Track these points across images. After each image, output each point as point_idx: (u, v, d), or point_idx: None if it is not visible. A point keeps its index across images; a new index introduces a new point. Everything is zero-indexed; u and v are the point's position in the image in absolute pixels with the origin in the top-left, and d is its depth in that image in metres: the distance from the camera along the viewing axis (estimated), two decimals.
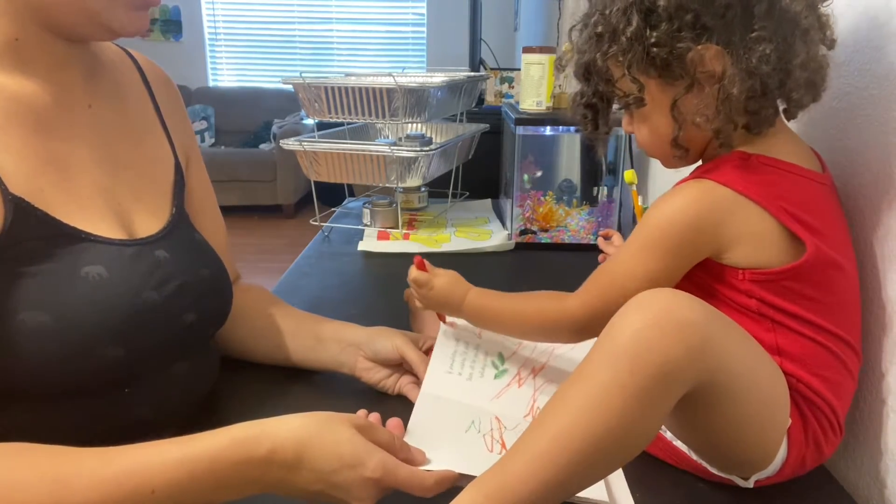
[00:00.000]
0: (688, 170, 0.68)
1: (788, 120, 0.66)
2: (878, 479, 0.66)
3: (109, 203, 0.63)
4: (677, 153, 0.66)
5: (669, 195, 0.63)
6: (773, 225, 0.60)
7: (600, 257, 1.04)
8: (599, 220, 1.40)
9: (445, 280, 0.78)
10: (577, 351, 0.80)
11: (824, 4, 0.62)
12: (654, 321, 0.51)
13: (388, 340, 0.78)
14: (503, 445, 0.65)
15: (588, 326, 0.67)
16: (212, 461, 0.50)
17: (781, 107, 0.64)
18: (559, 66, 0.74)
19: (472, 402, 0.72)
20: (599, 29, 0.64)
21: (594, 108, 0.71)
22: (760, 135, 0.63)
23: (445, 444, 0.63)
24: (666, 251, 0.62)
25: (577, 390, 0.52)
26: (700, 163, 0.68)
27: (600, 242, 1.11)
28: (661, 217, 0.63)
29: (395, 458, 0.55)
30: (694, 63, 0.60)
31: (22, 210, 0.55)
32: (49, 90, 0.60)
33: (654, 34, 0.60)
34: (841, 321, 0.61)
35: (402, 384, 0.78)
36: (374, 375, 0.78)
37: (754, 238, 0.60)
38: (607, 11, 0.63)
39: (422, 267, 0.80)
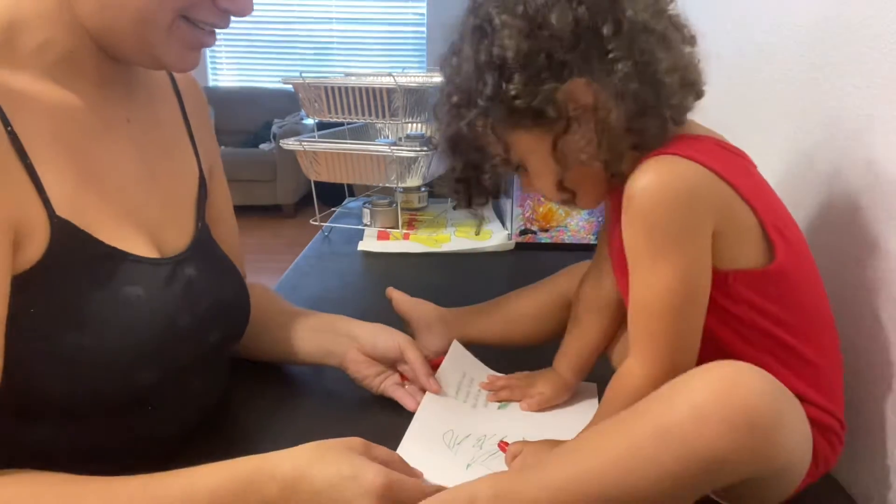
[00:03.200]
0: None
1: (677, 125, 0.60)
2: (880, 480, 0.65)
3: (140, 219, 0.62)
4: (564, 196, 0.62)
5: (637, 183, 0.56)
6: (746, 211, 0.57)
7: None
8: (599, 219, 1.40)
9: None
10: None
11: (671, 6, 0.60)
12: (718, 414, 0.46)
13: (391, 337, 0.78)
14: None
15: (674, 376, 0.55)
16: (213, 489, 0.51)
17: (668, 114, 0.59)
18: (431, 146, 0.69)
19: (475, 428, 0.71)
20: (455, 99, 0.60)
21: (467, 182, 0.67)
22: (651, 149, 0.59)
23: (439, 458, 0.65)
24: (681, 242, 0.55)
25: (619, 443, 0.50)
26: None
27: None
28: (651, 211, 0.56)
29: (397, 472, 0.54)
30: (565, 101, 0.57)
31: (67, 232, 0.54)
32: (93, 104, 0.60)
33: (512, 87, 0.56)
34: (802, 316, 0.60)
35: (387, 385, 0.77)
36: (363, 370, 0.77)
37: (731, 225, 0.56)
38: (457, 80, 0.60)
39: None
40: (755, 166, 0.63)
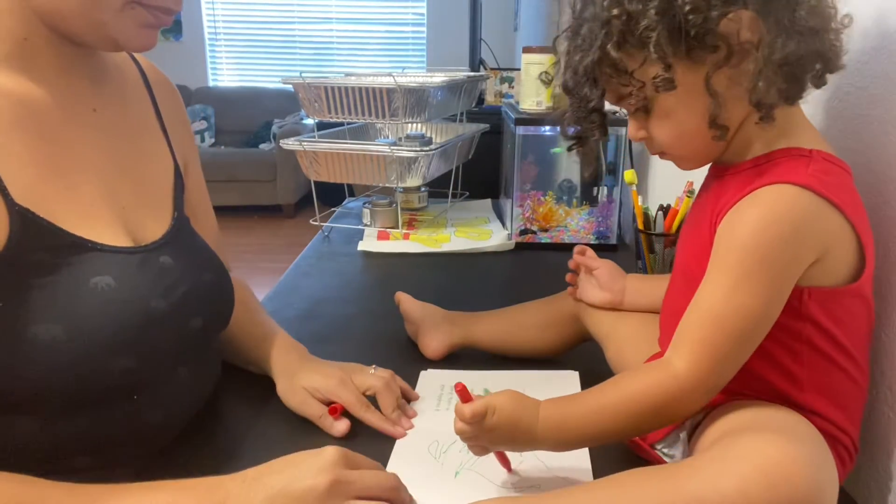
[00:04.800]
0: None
1: (818, 87, 0.60)
2: (881, 482, 0.65)
3: (113, 209, 0.62)
4: (717, 133, 0.58)
5: (748, 209, 0.56)
6: (850, 235, 0.56)
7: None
8: (599, 220, 1.40)
9: (507, 401, 0.59)
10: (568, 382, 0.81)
11: None
12: (768, 502, 0.45)
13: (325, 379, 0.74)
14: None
15: (709, 389, 0.56)
16: (175, 487, 0.53)
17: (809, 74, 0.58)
18: (545, 81, 0.66)
19: None
20: (616, 12, 0.56)
21: (602, 113, 0.64)
22: (792, 113, 0.58)
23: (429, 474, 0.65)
24: (773, 274, 0.54)
25: (646, 502, 0.49)
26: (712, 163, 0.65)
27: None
28: (754, 236, 0.55)
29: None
30: (729, 31, 0.54)
31: (28, 221, 0.54)
32: (55, 94, 0.60)
33: (687, 2, 0.54)
34: (854, 337, 0.59)
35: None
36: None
37: (833, 251, 0.56)
38: None
39: (467, 396, 0.59)
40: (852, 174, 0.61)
